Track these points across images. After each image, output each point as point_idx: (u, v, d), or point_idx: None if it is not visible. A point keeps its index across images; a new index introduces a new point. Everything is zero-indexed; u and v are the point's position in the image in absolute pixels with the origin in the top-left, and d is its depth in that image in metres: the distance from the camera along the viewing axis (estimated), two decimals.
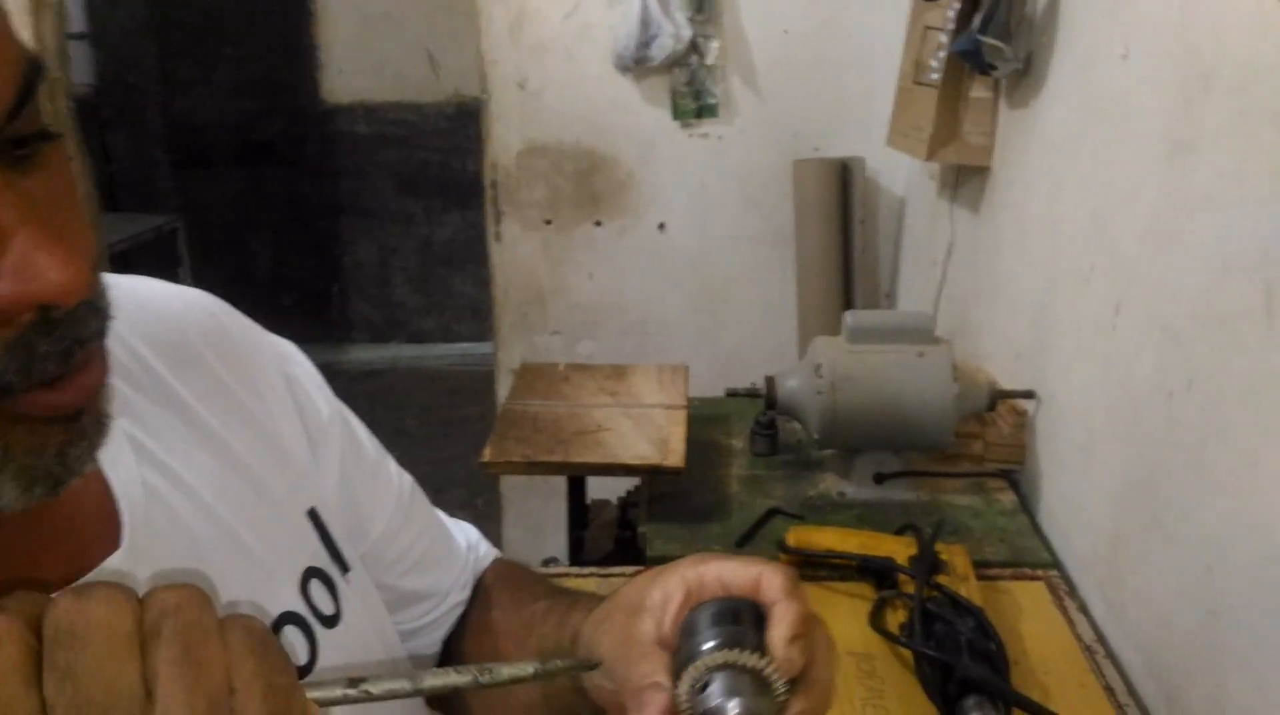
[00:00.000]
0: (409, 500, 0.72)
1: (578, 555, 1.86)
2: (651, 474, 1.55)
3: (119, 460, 0.49)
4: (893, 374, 1.46)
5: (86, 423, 0.41)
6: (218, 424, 0.56)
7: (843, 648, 1.17)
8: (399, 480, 0.72)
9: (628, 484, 1.86)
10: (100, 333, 0.41)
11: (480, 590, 0.76)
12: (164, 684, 0.31)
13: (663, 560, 1.37)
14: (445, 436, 3.80)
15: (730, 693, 0.44)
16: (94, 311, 0.40)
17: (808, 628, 0.46)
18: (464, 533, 0.79)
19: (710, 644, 0.45)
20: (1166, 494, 1.10)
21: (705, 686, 0.44)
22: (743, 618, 0.46)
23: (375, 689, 0.38)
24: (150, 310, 0.57)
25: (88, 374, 0.40)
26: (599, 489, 1.91)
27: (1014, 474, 1.56)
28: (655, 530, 1.45)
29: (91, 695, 0.31)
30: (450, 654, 0.74)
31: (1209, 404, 1.02)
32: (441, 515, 0.79)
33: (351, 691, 0.37)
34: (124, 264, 3.91)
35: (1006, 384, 1.56)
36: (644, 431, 1.60)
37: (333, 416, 0.66)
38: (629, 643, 0.50)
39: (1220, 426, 0.99)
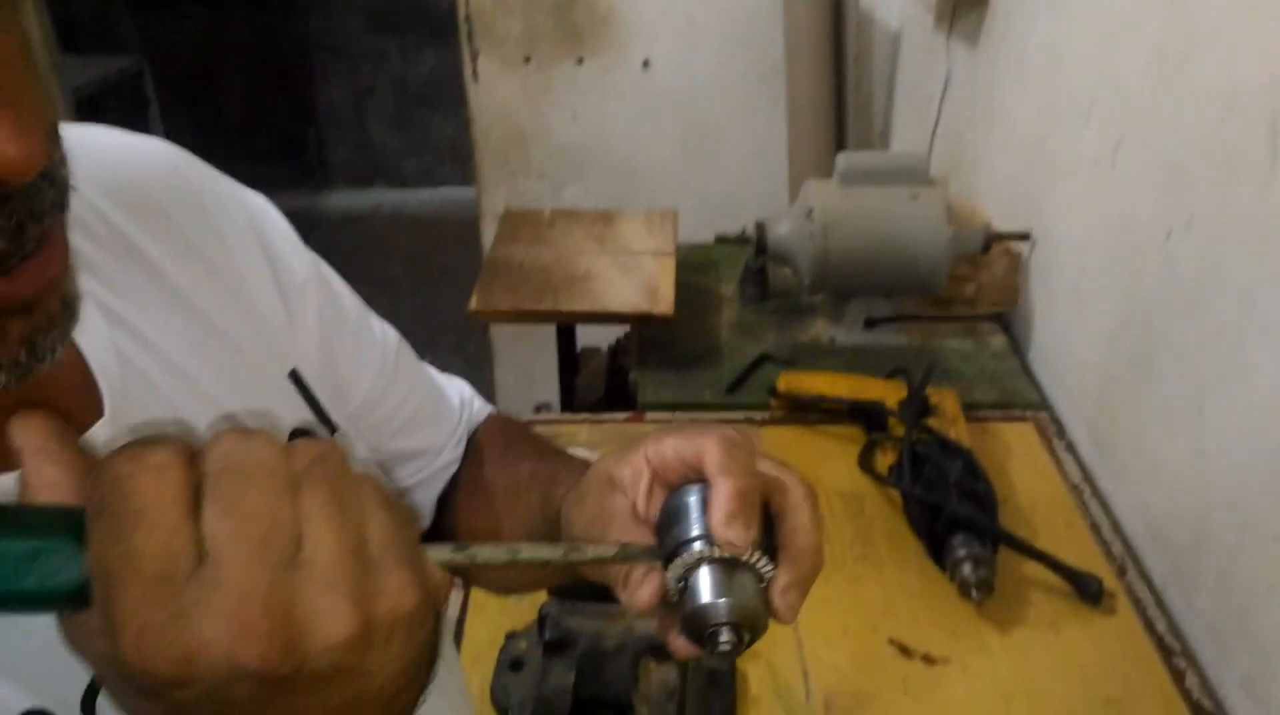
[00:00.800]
0: (395, 359, 0.70)
1: (569, 401, 1.87)
2: (641, 321, 1.54)
3: (87, 325, 0.46)
4: (885, 217, 1.43)
5: (55, 308, 0.38)
6: (188, 285, 0.54)
7: (832, 488, 1.19)
8: (383, 338, 0.70)
9: (618, 331, 1.85)
10: (59, 205, 0.37)
11: (473, 448, 0.75)
12: (316, 523, 0.33)
13: (654, 407, 1.38)
14: (432, 284, 3.77)
15: (716, 591, 0.44)
16: (51, 182, 0.36)
17: (744, 503, 0.45)
18: (457, 389, 0.78)
19: (690, 535, 0.45)
20: (1160, 334, 1.10)
21: (689, 581, 0.45)
22: None
23: (480, 554, 0.40)
24: (108, 161, 0.53)
25: (46, 253, 0.37)
26: (589, 336, 1.91)
27: (1006, 316, 1.56)
28: (646, 377, 1.46)
29: (253, 528, 0.31)
30: (442, 513, 0.74)
31: (1207, 244, 1.00)
32: (432, 371, 0.77)
33: (458, 556, 0.39)
34: (92, 108, 3.76)
35: (1001, 225, 1.53)
36: (633, 278, 1.58)
37: (309, 275, 0.62)
38: (606, 517, 0.50)
39: (1217, 267, 0.98)
